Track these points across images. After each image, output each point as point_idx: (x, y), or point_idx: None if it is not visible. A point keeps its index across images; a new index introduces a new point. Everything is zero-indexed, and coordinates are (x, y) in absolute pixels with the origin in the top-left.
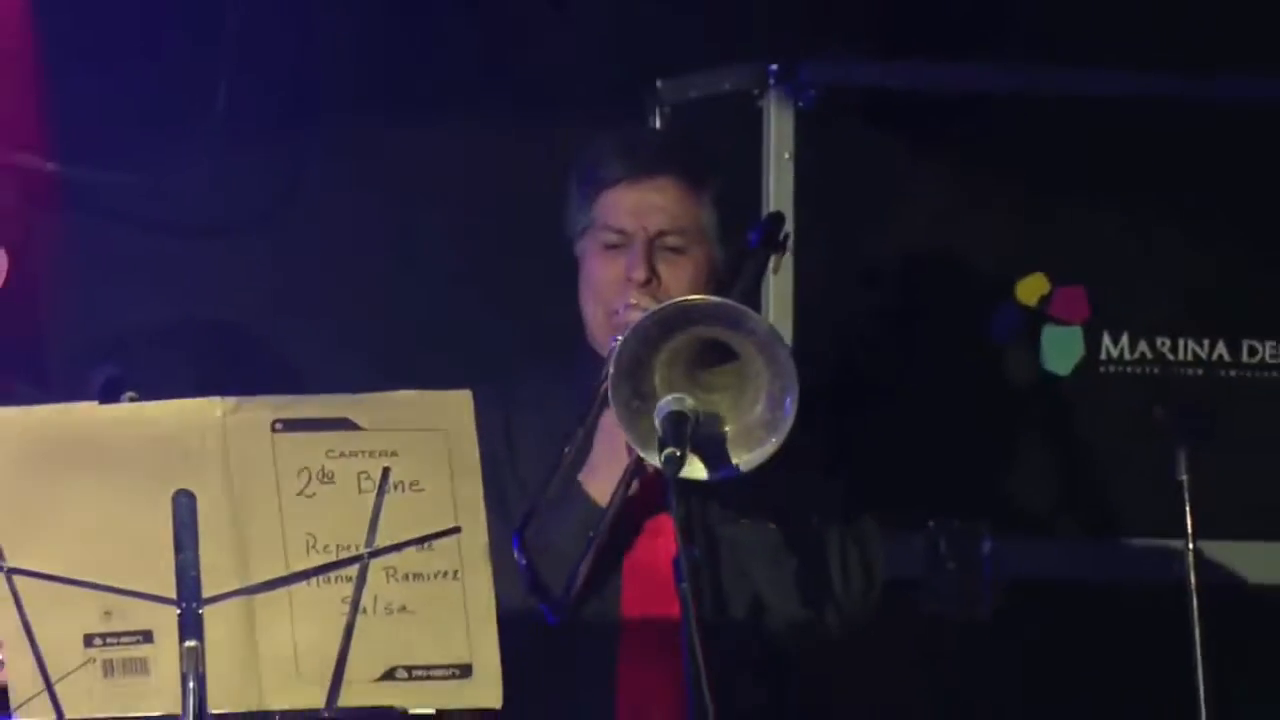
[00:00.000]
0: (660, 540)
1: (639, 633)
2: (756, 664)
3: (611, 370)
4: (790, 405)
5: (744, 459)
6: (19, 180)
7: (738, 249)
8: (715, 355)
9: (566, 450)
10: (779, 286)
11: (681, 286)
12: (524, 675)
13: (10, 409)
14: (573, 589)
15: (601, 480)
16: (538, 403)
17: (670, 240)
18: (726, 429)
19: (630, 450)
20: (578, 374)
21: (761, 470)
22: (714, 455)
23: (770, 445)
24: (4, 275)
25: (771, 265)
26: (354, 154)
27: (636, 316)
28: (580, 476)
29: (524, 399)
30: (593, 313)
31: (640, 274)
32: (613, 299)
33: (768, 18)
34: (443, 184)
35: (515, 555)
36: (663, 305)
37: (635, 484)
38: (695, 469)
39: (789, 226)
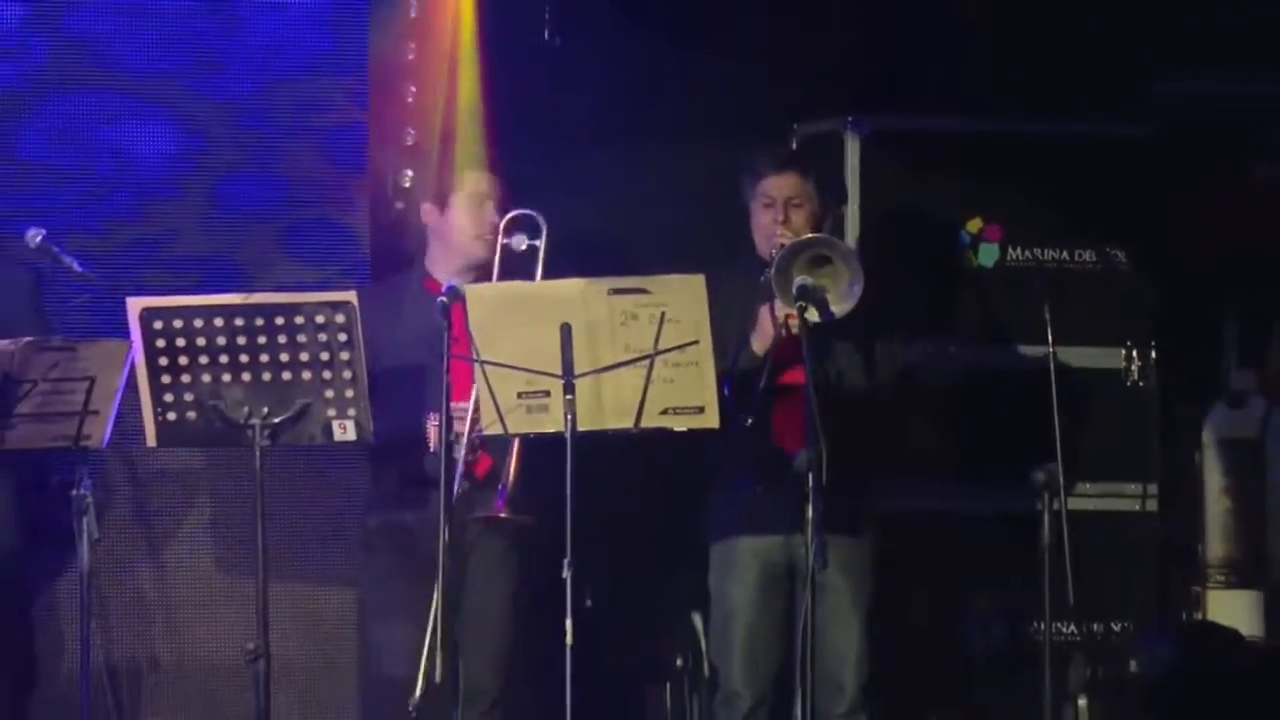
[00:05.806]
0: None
1: (785, 394)
2: (843, 401)
3: (773, 273)
4: (859, 286)
5: (837, 310)
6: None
7: (824, 201)
8: (822, 261)
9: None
10: (851, 226)
11: (802, 223)
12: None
13: (489, 284)
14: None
15: (759, 341)
16: (737, 277)
17: (794, 200)
18: (828, 296)
19: (774, 322)
20: (754, 267)
21: (845, 318)
22: (823, 309)
23: (850, 304)
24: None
25: (843, 209)
26: (635, 161)
27: (784, 243)
28: (752, 340)
29: (730, 276)
30: (758, 238)
31: (781, 218)
32: (769, 232)
33: (847, 85)
34: (689, 180)
35: (726, 392)
36: (793, 240)
37: (783, 335)
38: (813, 315)
39: (855, 200)
